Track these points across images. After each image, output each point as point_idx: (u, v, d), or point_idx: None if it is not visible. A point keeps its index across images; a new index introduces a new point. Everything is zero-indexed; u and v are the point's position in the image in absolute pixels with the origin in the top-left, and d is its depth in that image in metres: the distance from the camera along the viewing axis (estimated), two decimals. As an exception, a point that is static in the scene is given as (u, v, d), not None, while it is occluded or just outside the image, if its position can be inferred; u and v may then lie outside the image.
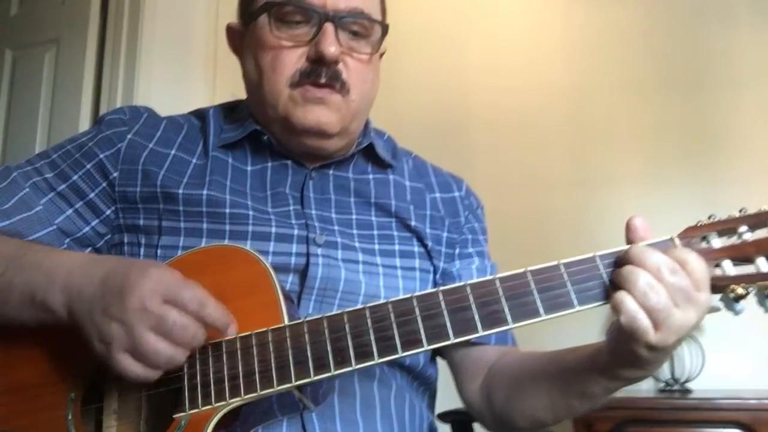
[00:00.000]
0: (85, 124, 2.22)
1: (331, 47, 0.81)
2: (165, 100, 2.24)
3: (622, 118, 2.55)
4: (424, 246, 0.91)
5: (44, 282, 0.68)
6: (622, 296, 0.59)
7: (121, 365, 0.62)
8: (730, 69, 2.47)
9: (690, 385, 2.16)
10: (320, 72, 0.82)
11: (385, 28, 0.88)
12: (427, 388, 0.91)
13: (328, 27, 0.81)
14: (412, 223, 0.90)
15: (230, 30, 0.94)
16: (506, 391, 0.84)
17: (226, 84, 2.40)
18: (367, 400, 0.80)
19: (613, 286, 0.61)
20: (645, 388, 2.29)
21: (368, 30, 0.86)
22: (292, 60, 0.83)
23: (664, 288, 0.58)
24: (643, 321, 0.58)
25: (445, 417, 1.27)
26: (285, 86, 0.83)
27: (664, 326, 0.58)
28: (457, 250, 0.95)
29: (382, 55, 0.95)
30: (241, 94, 0.94)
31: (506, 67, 2.74)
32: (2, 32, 2.54)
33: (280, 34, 0.83)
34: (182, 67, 2.41)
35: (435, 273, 0.92)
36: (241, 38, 0.91)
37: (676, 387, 2.17)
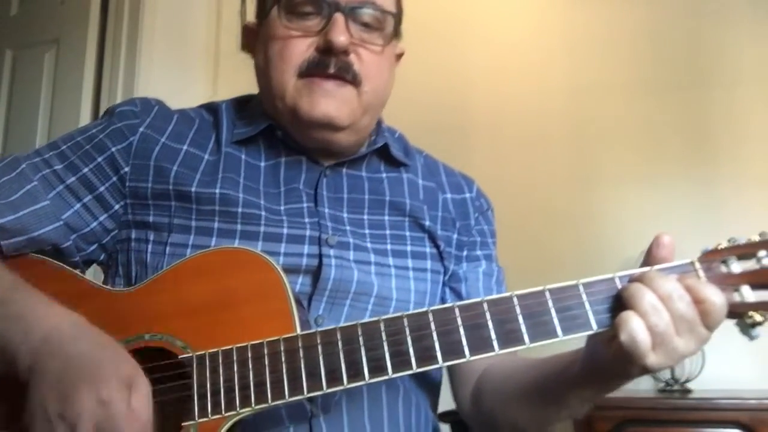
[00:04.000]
0: (85, 123, 2.22)
1: (340, 36, 0.79)
2: (165, 100, 2.23)
3: (622, 119, 2.55)
4: (437, 247, 0.90)
5: (19, 339, 0.65)
6: (628, 314, 0.57)
7: None
8: (730, 69, 2.47)
9: (690, 385, 2.16)
10: (328, 62, 0.81)
11: (397, 18, 0.87)
12: (433, 388, 0.91)
13: (338, 17, 0.80)
14: (426, 223, 0.89)
15: (246, 29, 0.93)
16: (492, 398, 0.84)
17: (227, 83, 2.40)
18: (374, 403, 0.79)
19: (622, 303, 0.59)
20: (645, 388, 2.29)
21: (381, 22, 0.85)
22: (301, 49, 0.82)
23: (669, 313, 0.57)
24: (644, 342, 0.56)
25: (444, 417, 1.27)
26: (292, 75, 0.82)
27: (662, 350, 0.57)
28: (465, 252, 0.94)
29: (400, 56, 0.94)
30: (242, 93, 0.94)
31: (507, 67, 2.74)
32: (2, 32, 2.54)
33: (290, 25, 0.83)
34: (182, 67, 2.41)
35: (445, 274, 0.91)
36: (255, 36, 0.90)
37: (676, 387, 2.17)
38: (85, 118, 2.24)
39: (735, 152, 2.40)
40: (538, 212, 2.52)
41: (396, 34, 0.89)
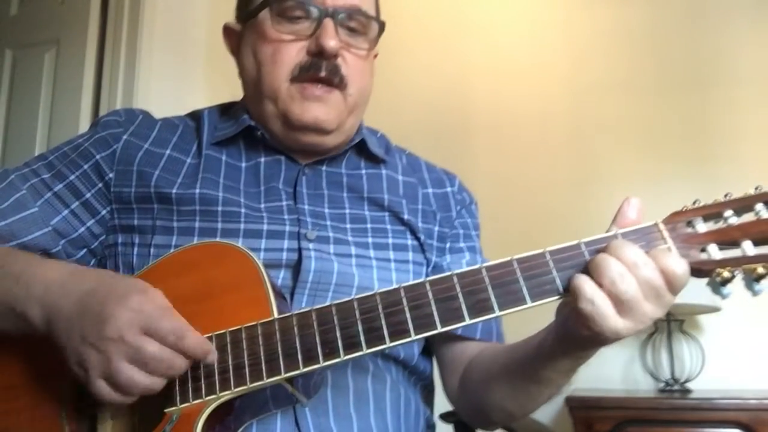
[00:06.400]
0: (85, 124, 2.22)
1: (331, 41, 0.83)
2: (164, 100, 2.24)
3: (622, 118, 2.55)
4: (417, 239, 0.91)
5: (23, 295, 0.69)
6: (581, 281, 0.58)
7: (98, 391, 0.63)
8: (730, 69, 2.47)
9: (690, 385, 2.16)
10: (320, 65, 0.84)
11: (381, 25, 0.91)
12: (423, 382, 0.91)
13: (328, 22, 0.84)
14: (405, 217, 0.91)
15: (227, 30, 0.95)
16: (478, 385, 0.84)
17: (226, 84, 2.40)
18: (360, 394, 0.80)
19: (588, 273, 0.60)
20: (645, 388, 2.29)
21: (365, 27, 0.89)
22: (293, 53, 0.85)
23: (635, 279, 0.58)
24: (601, 306, 0.57)
25: (447, 417, 1.27)
26: (285, 80, 0.85)
27: (631, 315, 0.58)
28: (448, 245, 0.95)
29: (375, 56, 0.97)
30: (241, 95, 0.95)
31: (507, 68, 2.74)
32: (2, 32, 2.54)
33: (281, 29, 0.85)
34: (182, 68, 2.42)
35: (428, 266, 0.92)
36: (239, 38, 0.92)
37: (676, 387, 2.17)
38: (85, 118, 2.24)
39: (735, 152, 2.40)
40: (538, 212, 2.53)
41: (379, 37, 0.92)
